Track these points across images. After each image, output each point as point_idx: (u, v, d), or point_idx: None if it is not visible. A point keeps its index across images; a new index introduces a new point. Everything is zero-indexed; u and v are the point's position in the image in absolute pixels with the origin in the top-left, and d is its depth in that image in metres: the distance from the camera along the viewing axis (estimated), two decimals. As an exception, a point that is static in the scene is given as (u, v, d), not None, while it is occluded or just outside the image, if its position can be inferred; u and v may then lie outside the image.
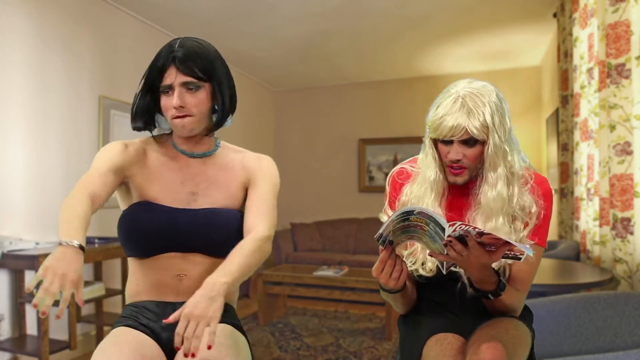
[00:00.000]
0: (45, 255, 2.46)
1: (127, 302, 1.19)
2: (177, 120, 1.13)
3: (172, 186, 1.18)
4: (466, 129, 1.06)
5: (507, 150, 1.11)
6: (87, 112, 3.31)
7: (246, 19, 3.83)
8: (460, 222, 0.93)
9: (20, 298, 2.72)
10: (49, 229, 3.01)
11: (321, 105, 6.14)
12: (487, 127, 1.07)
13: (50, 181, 3.02)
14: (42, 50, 2.96)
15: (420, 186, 1.20)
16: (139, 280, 1.16)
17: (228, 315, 1.16)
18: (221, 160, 1.25)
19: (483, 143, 1.09)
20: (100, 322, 3.14)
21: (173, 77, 1.11)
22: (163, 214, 1.13)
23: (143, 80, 1.16)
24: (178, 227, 1.12)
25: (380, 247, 1.05)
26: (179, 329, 0.91)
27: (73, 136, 3.19)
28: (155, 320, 1.12)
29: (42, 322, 2.42)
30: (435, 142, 1.16)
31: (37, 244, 2.74)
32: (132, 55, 3.74)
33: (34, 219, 2.91)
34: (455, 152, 1.10)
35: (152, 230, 1.11)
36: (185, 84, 1.11)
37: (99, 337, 3.17)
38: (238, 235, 1.16)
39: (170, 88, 1.12)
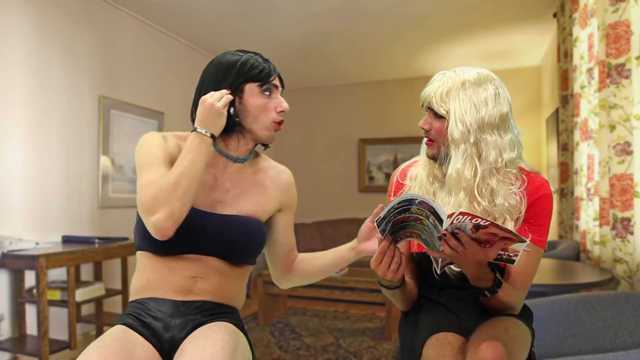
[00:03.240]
0: (46, 255, 2.46)
1: (132, 298, 1.17)
2: (276, 126, 1.19)
3: (202, 189, 1.16)
4: (430, 100, 1.16)
5: (473, 133, 1.12)
6: (87, 112, 3.31)
7: (246, 19, 3.83)
8: (459, 212, 0.93)
9: (20, 298, 2.72)
10: (49, 229, 3.01)
11: (321, 105, 6.15)
12: (448, 104, 1.13)
13: (50, 181, 3.02)
14: (42, 50, 2.96)
15: (421, 162, 1.26)
16: (150, 276, 1.14)
17: (232, 317, 1.17)
18: (254, 167, 1.27)
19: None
20: (100, 322, 3.14)
21: (278, 83, 1.21)
22: (191, 216, 1.10)
23: (244, 76, 1.15)
24: (205, 230, 1.12)
25: (380, 236, 1.05)
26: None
27: (73, 136, 3.19)
28: (160, 319, 1.10)
29: (42, 322, 2.42)
30: None
31: (37, 244, 2.74)
32: (132, 55, 3.75)
33: (34, 219, 2.91)
34: (424, 121, 1.20)
35: (178, 231, 1.08)
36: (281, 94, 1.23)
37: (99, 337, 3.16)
38: (257, 245, 1.20)
39: (275, 89, 1.19)
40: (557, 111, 3.73)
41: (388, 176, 5.78)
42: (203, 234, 1.12)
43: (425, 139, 1.22)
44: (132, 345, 1.03)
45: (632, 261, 2.07)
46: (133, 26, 3.76)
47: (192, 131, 1.09)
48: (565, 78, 3.36)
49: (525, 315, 1.22)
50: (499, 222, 1.09)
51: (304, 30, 4.12)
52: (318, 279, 1.35)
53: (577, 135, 2.87)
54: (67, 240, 3.05)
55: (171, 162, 1.11)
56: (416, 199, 0.95)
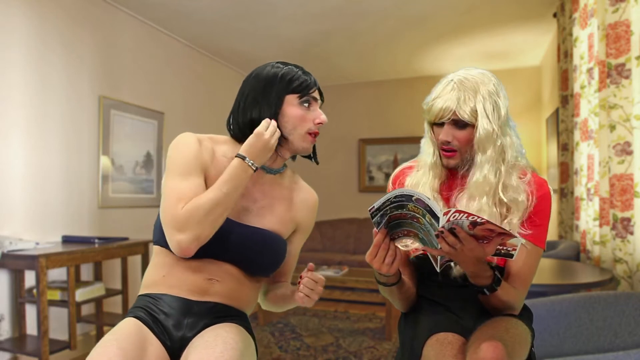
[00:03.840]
0: (46, 255, 2.46)
1: (144, 291, 1.17)
2: (311, 137, 1.19)
3: None
4: (454, 111, 1.11)
5: (499, 136, 1.12)
6: (87, 112, 3.31)
7: (246, 19, 3.83)
8: (455, 210, 0.93)
9: (20, 298, 2.72)
10: (49, 229, 3.01)
11: (321, 105, 6.14)
12: (476, 110, 1.10)
13: (50, 181, 3.02)
14: (42, 50, 2.96)
15: (421, 169, 1.24)
16: (166, 273, 1.14)
17: (242, 320, 1.18)
18: (286, 182, 1.28)
19: (473, 127, 1.12)
20: (100, 322, 3.14)
21: (317, 96, 1.22)
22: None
23: (285, 89, 1.16)
24: (228, 239, 1.12)
25: (375, 229, 1.05)
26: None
27: (73, 136, 3.19)
28: (172, 316, 1.11)
29: (42, 322, 2.42)
30: (432, 126, 1.20)
31: (37, 244, 2.74)
32: (132, 55, 3.75)
33: (34, 219, 2.91)
34: (445, 134, 1.14)
35: None
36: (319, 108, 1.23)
37: (99, 337, 3.16)
38: (276, 261, 1.21)
39: (315, 102, 1.20)
40: (557, 111, 3.73)
41: (388, 176, 5.77)
42: (226, 242, 1.12)
43: (435, 151, 1.19)
44: (145, 342, 1.03)
45: (632, 261, 2.07)
46: (133, 26, 3.76)
47: (236, 155, 1.10)
48: (565, 78, 3.36)
49: (525, 315, 1.22)
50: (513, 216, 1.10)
51: (304, 30, 4.12)
52: (273, 308, 1.31)
53: (577, 135, 2.87)
54: (67, 240, 3.05)
55: (203, 169, 1.12)
56: (413, 196, 0.95)
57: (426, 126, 1.22)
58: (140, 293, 1.18)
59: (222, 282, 1.14)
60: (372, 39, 4.36)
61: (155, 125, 3.99)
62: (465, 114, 1.10)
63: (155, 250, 1.18)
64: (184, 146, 1.12)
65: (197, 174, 1.10)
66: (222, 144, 1.20)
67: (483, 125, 1.10)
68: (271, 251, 1.18)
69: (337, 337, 3.44)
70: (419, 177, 1.23)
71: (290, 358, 3.01)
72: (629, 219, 2.06)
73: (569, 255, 2.75)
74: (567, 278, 2.15)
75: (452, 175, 1.23)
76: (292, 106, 1.17)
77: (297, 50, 4.64)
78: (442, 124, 1.15)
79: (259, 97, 1.16)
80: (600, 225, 2.28)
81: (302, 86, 1.17)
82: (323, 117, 1.20)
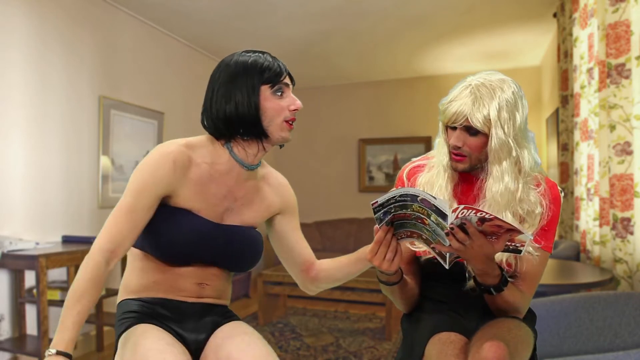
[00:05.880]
0: (46, 255, 2.46)
1: (131, 296, 1.15)
2: (288, 125, 1.14)
3: (214, 199, 1.15)
4: (467, 117, 1.08)
5: (514, 147, 1.10)
6: (87, 112, 3.31)
7: (246, 19, 3.83)
8: (463, 206, 0.92)
9: (20, 298, 2.72)
10: (49, 229, 3.01)
11: (321, 105, 6.14)
12: (490, 120, 1.07)
13: (50, 181, 3.02)
14: (42, 50, 2.96)
15: (435, 169, 1.22)
16: (156, 278, 1.13)
17: (235, 315, 1.23)
18: (259, 175, 1.26)
19: (486, 135, 1.10)
20: (100, 322, 3.14)
21: (288, 81, 1.16)
22: (202, 227, 1.11)
23: (257, 79, 1.11)
24: (215, 244, 1.12)
25: (376, 227, 1.04)
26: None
27: (73, 136, 3.19)
28: (179, 321, 1.12)
29: (42, 322, 2.42)
30: (446, 127, 1.17)
31: (37, 244, 2.74)
32: (132, 55, 3.74)
33: (34, 219, 2.91)
34: (456, 138, 1.12)
35: (188, 242, 1.10)
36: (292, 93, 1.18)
37: (99, 337, 3.16)
38: (256, 256, 1.21)
39: (287, 88, 1.14)
40: (557, 111, 3.73)
41: (388, 176, 5.78)
42: (212, 247, 1.13)
43: (447, 154, 1.17)
44: (172, 345, 1.04)
45: (632, 261, 2.07)
46: (133, 26, 3.75)
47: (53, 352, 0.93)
48: (565, 78, 3.36)
49: (529, 317, 1.22)
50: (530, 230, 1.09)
51: (304, 30, 4.12)
52: (330, 285, 1.32)
53: (577, 135, 2.87)
54: (67, 240, 3.05)
55: (161, 193, 1.07)
56: (418, 196, 0.94)
57: (440, 126, 1.19)
58: (127, 297, 1.15)
59: (210, 285, 1.17)
60: (372, 39, 4.35)
61: (155, 125, 3.98)
62: (477, 122, 1.07)
63: (137, 254, 1.16)
64: (150, 169, 1.06)
65: (146, 205, 1.05)
66: (199, 148, 1.14)
67: (497, 134, 1.07)
68: (252, 248, 1.20)
69: (337, 337, 3.44)
70: (433, 178, 1.21)
71: (290, 358, 3.01)
72: (629, 219, 2.06)
73: (569, 255, 2.75)
74: (567, 278, 2.15)
75: (467, 180, 1.21)
76: (265, 99, 1.11)
77: (297, 50, 4.64)
78: (455, 128, 1.13)
79: (231, 90, 1.11)
80: (600, 225, 2.28)
81: (273, 75, 1.11)
82: (298, 102, 1.14)
